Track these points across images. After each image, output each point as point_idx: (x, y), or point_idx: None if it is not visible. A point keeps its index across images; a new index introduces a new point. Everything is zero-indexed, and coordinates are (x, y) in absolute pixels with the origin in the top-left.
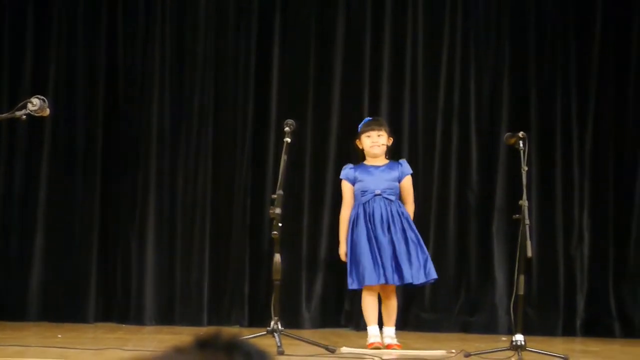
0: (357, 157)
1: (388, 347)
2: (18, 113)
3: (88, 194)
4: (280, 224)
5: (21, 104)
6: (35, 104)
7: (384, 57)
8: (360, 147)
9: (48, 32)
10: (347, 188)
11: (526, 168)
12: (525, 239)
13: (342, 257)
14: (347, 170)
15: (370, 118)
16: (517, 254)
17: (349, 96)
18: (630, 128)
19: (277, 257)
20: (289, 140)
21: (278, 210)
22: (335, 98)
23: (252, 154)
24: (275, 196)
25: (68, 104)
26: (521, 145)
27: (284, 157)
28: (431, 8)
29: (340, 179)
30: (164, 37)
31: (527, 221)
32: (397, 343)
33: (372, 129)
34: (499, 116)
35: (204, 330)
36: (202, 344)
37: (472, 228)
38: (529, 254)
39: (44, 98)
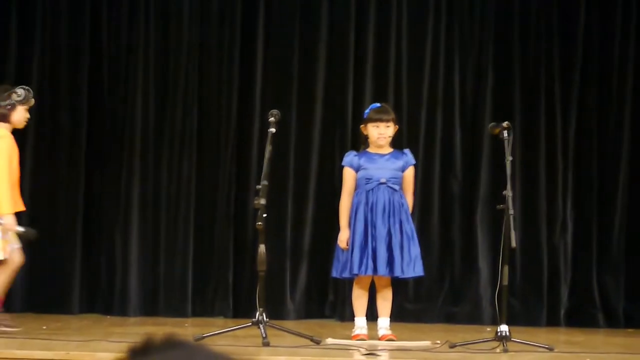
0: (350, 144)
1: (382, 337)
2: (3, 103)
3: (72, 185)
4: (264, 215)
5: (6, 94)
6: (20, 94)
7: (368, 48)
8: (365, 134)
9: (32, 25)
10: (349, 175)
11: (510, 158)
12: (510, 230)
13: (344, 244)
14: (351, 157)
15: (379, 105)
16: (501, 244)
17: (333, 87)
18: (614, 118)
19: (262, 248)
20: (273, 130)
21: (263, 201)
22: (320, 89)
23: (236, 145)
24: (259, 187)
25: (52, 95)
26: (505, 135)
27: (268, 148)
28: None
29: (343, 166)
30: (147, 26)
31: (511, 211)
32: (392, 334)
33: (381, 120)
34: (483, 106)
35: (188, 322)
36: (137, 353)
37: (456, 218)
38: (513, 244)
39: (29, 88)
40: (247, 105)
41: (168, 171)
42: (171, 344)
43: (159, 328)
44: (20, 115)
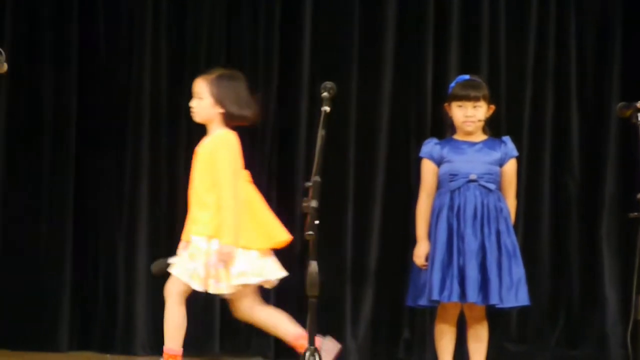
0: (430, 129)
1: None
2: None
3: (58, 179)
4: (316, 222)
5: None
6: None
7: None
8: (450, 115)
9: None
10: (429, 170)
11: None
12: None
13: (420, 260)
14: (431, 146)
15: (467, 77)
16: (636, 265)
17: (407, 51)
18: None
19: (313, 266)
20: (327, 109)
21: (314, 204)
22: (389, 54)
23: (277, 129)
24: (309, 184)
25: (30, 59)
26: (639, 118)
27: (321, 132)
28: None
29: (421, 157)
30: None
31: None
32: None
33: (468, 97)
34: (608, 81)
35: None
36: None
37: (573, 230)
38: None
39: (1, 50)
40: (291, 76)
41: (186, 161)
42: None
43: None
44: None
